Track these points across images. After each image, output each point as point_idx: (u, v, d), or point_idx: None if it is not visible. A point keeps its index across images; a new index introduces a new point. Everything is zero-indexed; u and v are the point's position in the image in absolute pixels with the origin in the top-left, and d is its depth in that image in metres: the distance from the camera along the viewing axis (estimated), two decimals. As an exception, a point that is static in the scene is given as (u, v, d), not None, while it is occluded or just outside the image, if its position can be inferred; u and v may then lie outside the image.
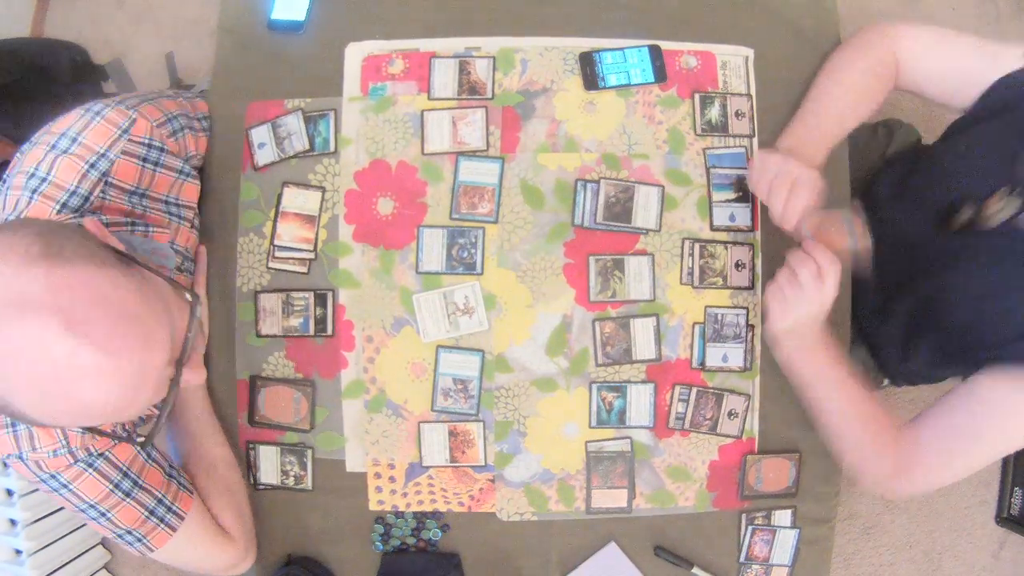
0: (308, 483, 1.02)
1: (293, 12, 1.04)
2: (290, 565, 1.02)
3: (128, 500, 0.82)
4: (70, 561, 1.69)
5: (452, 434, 1.00)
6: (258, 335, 1.01)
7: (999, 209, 0.86)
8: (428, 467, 1.01)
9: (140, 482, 0.83)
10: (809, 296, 0.85)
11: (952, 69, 0.94)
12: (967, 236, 0.90)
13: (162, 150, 0.87)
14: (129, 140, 0.83)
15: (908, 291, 0.98)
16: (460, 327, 0.99)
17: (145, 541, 0.85)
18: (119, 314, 0.62)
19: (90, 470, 0.79)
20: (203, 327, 0.87)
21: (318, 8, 1.04)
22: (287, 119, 1.01)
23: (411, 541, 1.02)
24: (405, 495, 1.01)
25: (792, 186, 0.87)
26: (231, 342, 1.02)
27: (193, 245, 0.96)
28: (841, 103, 0.98)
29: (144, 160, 0.85)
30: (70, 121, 0.81)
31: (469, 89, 1.02)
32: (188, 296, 0.72)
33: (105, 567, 1.83)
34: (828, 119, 0.98)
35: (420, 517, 1.02)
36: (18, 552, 1.57)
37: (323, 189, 1.01)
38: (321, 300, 1.00)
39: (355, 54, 1.03)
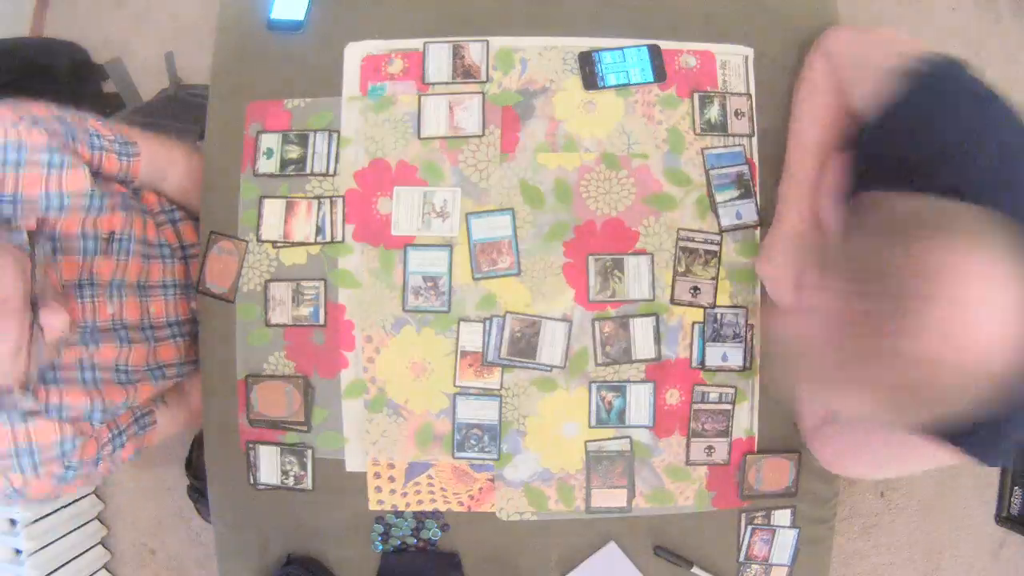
0: (308, 483, 1.02)
1: (292, 12, 1.04)
2: (290, 565, 1.02)
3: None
4: (70, 561, 1.69)
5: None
6: (267, 324, 1.01)
7: None
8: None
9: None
10: None
11: (857, 71, 0.88)
12: None
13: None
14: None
15: None
16: (431, 227, 1.00)
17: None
18: None
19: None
20: (59, 271, 0.87)
21: (317, 8, 1.04)
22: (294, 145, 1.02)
23: (411, 541, 1.02)
24: (405, 495, 1.01)
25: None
26: (231, 342, 1.02)
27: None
28: (819, 143, 0.93)
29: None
30: None
31: (464, 73, 1.02)
32: (25, 247, 0.73)
33: (105, 567, 1.83)
34: (813, 169, 0.93)
35: (420, 517, 1.02)
36: (18, 552, 1.57)
37: (283, 198, 1.02)
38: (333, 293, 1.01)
39: (354, 54, 1.03)
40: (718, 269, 1.01)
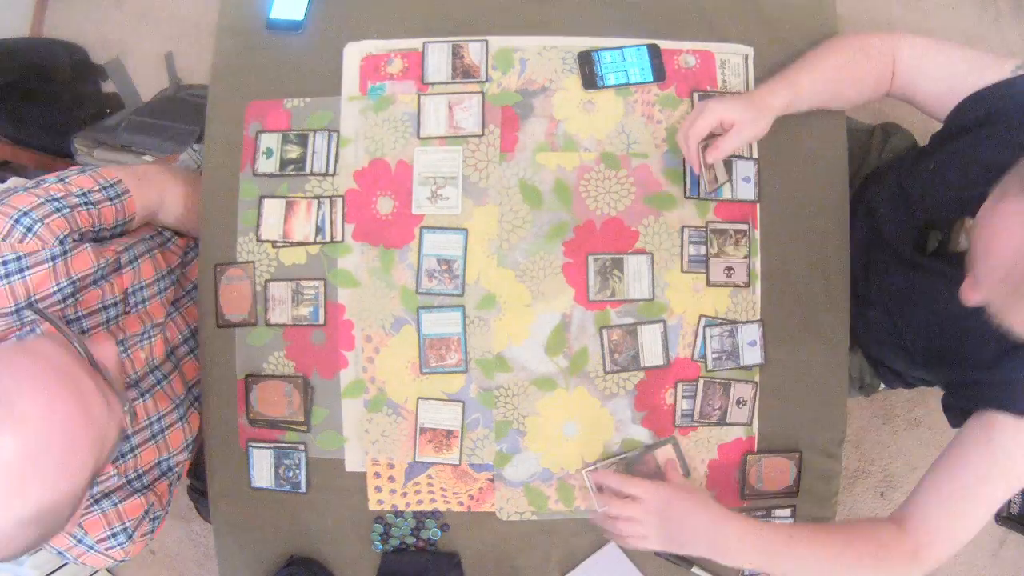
0: (303, 485, 1.02)
1: (292, 12, 1.04)
2: (291, 565, 1.02)
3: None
4: (70, 561, 1.69)
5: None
6: (268, 324, 1.01)
7: (963, 237, 0.86)
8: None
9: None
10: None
11: (943, 77, 0.92)
12: (941, 259, 0.89)
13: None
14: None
15: (901, 304, 0.97)
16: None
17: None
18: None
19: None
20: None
21: (317, 8, 1.04)
22: (292, 145, 1.02)
23: (411, 541, 1.02)
24: (404, 495, 1.01)
25: (698, 115, 0.90)
26: (231, 342, 1.02)
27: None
28: (829, 66, 0.96)
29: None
30: None
31: (463, 73, 1.02)
32: (124, 407, 0.71)
33: (105, 567, 1.83)
34: (806, 76, 0.95)
35: (419, 516, 1.02)
36: (18, 552, 1.57)
37: (284, 198, 1.02)
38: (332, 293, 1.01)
39: (354, 54, 1.03)
40: (749, 247, 1.01)
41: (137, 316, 0.94)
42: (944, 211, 0.88)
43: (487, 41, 1.02)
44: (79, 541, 0.87)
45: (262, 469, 1.02)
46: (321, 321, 1.01)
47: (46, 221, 0.79)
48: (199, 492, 1.42)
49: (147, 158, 1.50)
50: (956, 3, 1.92)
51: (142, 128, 1.54)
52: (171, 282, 1.02)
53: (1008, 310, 0.66)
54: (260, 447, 1.02)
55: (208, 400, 1.03)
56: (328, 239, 1.01)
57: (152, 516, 0.93)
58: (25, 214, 0.78)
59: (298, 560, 1.02)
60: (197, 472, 1.39)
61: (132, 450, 0.91)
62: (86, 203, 0.86)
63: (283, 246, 1.01)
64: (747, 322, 1.01)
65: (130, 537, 0.90)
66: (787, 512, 1.03)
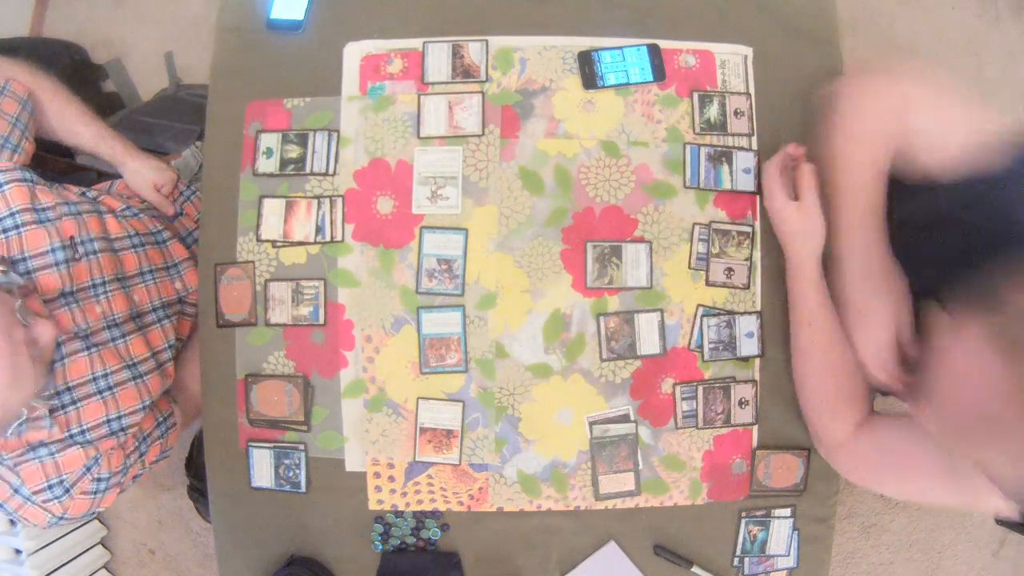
0: (303, 485, 1.02)
1: (292, 12, 1.04)
2: (292, 565, 1.02)
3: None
4: (70, 561, 1.69)
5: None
6: (267, 324, 1.01)
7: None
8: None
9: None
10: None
11: (940, 137, 0.84)
12: None
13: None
14: None
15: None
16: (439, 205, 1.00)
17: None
18: None
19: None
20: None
21: (317, 8, 1.04)
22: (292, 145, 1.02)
23: (411, 540, 1.02)
24: (404, 494, 1.01)
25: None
26: (231, 342, 1.02)
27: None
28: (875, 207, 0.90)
29: None
30: None
31: (463, 72, 1.02)
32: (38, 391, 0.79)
33: (105, 567, 1.83)
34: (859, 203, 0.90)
35: (420, 516, 1.02)
36: (18, 552, 1.57)
37: (284, 198, 1.02)
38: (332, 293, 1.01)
39: (354, 54, 1.03)
40: (751, 251, 1.01)
41: (86, 266, 0.94)
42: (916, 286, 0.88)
43: (487, 41, 1.02)
44: (16, 491, 0.87)
45: (262, 469, 1.02)
46: (321, 321, 1.01)
47: None
48: (199, 492, 1.42)
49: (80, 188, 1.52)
50: (956, 3, 1.93)
51: (142, 128, 1.54)
52: (132, 244, 1.04)
53: (960, 451, 0.65)
54: (260, 447, 1.02)
55: (208, 400, 1.03)
56: (328, 239, 1.01)
57: (97, 476, 0.92)
58: None
59: (298, 560, 1.02)
60: (197, 472, 1.40)
61: (74, 402, 0.90)
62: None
63: (283, 246, 1.01)
64: (745, 313, 1.01)
65: (67, 491, 0.89)
66: (787, 512, 1.03)
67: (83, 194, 1.04)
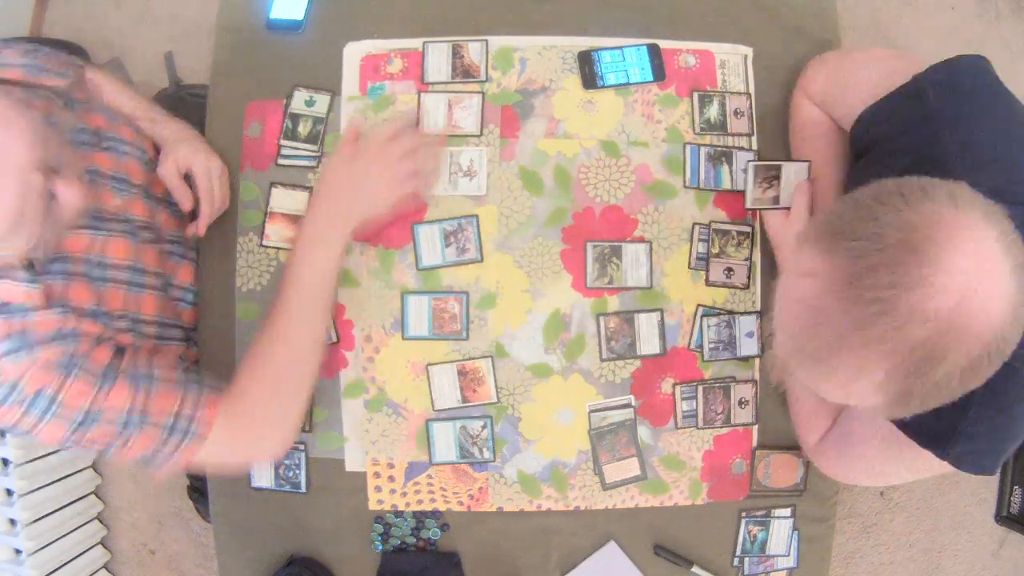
0: (303, 485, 1.02)
1: (292, 12, 1.04)
2: (292, 565, 1.02)
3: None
4: (70, 561, 1.69)
5: (461, 374, 1.00)
6: None
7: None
8: (440, 413, 1.00)
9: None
10: None
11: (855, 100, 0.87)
12: None
13: None
14: None
15: None
16: (458, 187, 1.00)
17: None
18: None
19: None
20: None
21: (317, 8, 1.04)
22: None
23: (411, 540, 1.02)
24: (404, 495, 1.01)
25: None
26: (231, 343, 1.02)
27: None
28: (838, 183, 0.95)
29: None
30: None
31: (463, 72, 1.02)
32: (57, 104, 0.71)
33: (105, 567, 1.83)
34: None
35: (419, 516, 1.02)
36: (18, 552, 1.57)
37: (310, 189, 1.01)
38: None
39: (353, 53, 1.03)
40: (751, 251, 1.01)
41: (110, 158, 0.89)
42: None
43: (487, 41, 1.02)
44: None
45: (262, 469, 1.02)
46: (334, 339, 1.00)
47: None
48: (199, 492, 1.42)
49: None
50: (956, 3, 1.93)
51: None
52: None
53: (796, 371, 0.65)
54: (260, 447, 1.02)
55: (208, 400, 1.03)
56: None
57: (72, 354, 0.75)
58: None
59: (298, 560, 1.02)
60: (197, 472, 1.39)
61: (65, 275, 0.80)
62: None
63: (284, 248, 1.01)
64: (745, 313, 1.01)
65: (30, 348, 0.73)
66: (787, 512, 1.03)
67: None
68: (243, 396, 0.86)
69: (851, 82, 0.89)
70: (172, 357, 0.92)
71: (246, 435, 0.87)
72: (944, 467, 0.76)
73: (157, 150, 0.99)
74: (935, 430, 0.74)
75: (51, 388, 0.74)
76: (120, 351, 0.81)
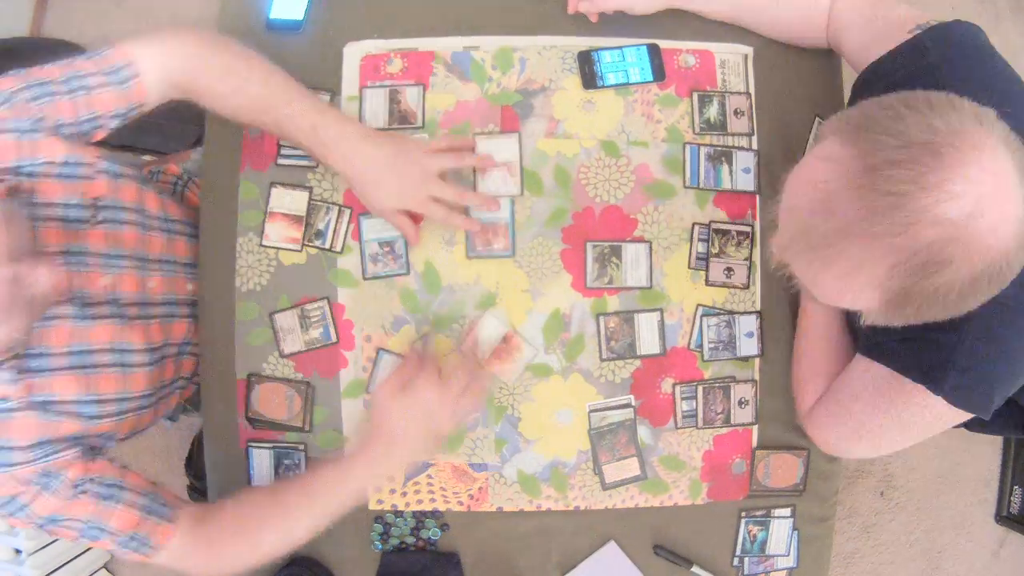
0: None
1: (292, 11, 1.04)
2: (292, 565, 1.02)
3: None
4: (70, 561, 1.69)
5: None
6: (282, 355, 1.01)
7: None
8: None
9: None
10: None
11: (865, 37, 0.89)
12: None
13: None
14: None
15: None
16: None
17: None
18: None
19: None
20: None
21: (317, 8, 1.04)
22: None
23: (410, 540, 1.02)
24: (404, 494, 1.01)
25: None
26: (231, 342, 1.02)
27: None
28: None
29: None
30: None
31: (400, 119, 1.01)
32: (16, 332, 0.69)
33: (105, 567, 1.83)
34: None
35: (419, 516, 1.02)
36: (18, 552, 1.57)
37: (310, 189, 1.01)
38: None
39: (353, 53, 1.03)
40: (751, 250, 1.01)
41: (104, 234, 0.86)
42: None
43: (422, 87, 1.01)
44: None
45: (262, 469, 1.02)
46: (334, 339, 1.00)
47: (22, 101, 0.78)
48: (199, 492, 1.42)
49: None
50: (956, 3, 1.93)
51: (142, 127, 1.53)
52: (163, 228, 0.97)
53: (795, 267, 0.66)
54: (260, 447, 1.02)
55: (208, 400, 1.03)
56: (328, 247, 1.01)
57: (46, 471, 0.77)
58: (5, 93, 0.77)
59: (298, 560, 1.02)
60: (197, 472, 1.39)
61: (45, 371, 0.80)
62: (72, 90, 0.81)
63: (284, 248, 1.01)
64: (745, 312, 1.01)
65: (9, 464, 0.76)
66: (787, 512, 1.03)
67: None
68: (217, 523, 0.89)
69: (871, 13, 0.91)
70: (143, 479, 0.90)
71: (206, 554, 0.88)
72: (936, 417, 0.78)
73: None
74: (928, 363, 0.75)
75: (25, 498, 0.77)
76: (95, 455, 0.84)
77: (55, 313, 0.80)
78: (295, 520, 0.88)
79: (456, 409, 0.90)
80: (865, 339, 0.87)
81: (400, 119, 1.01)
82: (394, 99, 1.02)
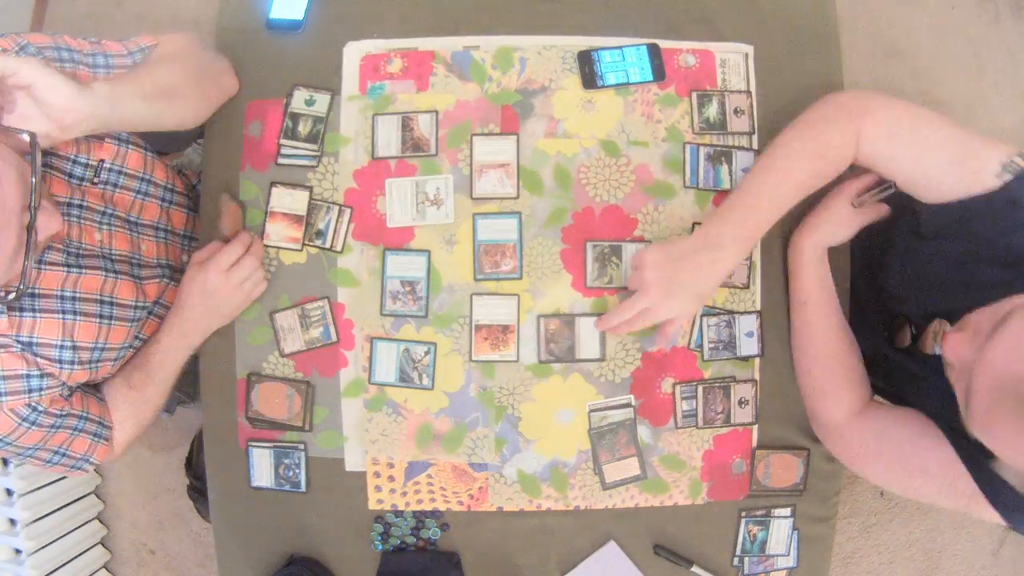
0: (303, 485, 1.02)
1: (292, 11, 1.04)
2: (292, 565, 1.02)
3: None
4: (70, 561, 1.69)
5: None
6: (282, 354, 1.01)
7: (934, 338, 0.85)
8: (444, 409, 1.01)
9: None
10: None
11: (919, 168, 0.84)
12: (910, 356, 0.90)
13: None
14: None
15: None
16: (426, 216, 1.00)
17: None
18: None
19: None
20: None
21: (317, 7, 1.04)
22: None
23: (410, 540, 1.02)
24: (404, 494, 1.01)
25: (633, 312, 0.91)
26: (231, 342, 1.02)
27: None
28: (780, 191, 0.89)
29: None
30: None
31: (413, 146, 1.01)
32: (25, 135, 0.71)
33: (105, 567, 1.83)
34: (763, 210, 0.89)
35: (419, 516, 1.02)
36: (18, 552, 1.57)
37: (310, 188, 1.01)
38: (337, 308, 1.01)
39: (353, 53, 1.03)
40: (751, 250, 1.01)
41: (102, 193, 0.92)
42: (916, 310, 0.89)
43: (436, 112, 1.01)
44: None
45: (262, 468, 1.02)
46: (334, 339, 1.00)
47: (46, 58, 0.80)
48: (199, 492, 1.42)
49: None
50: (956, 3, 1.93)
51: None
52: (162, 196, 1.02)
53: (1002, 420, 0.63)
54: (260, 446, 1.02)
55: (208, 400, 1.03)
56: (328, 246, 1.01)
57: (34, 404, 0.85)
58: (25, 47, 0.80)
59: (298, 560, 1.02)
60: (197, 472, 1.39)
61: (33, 310, 0.84)
62: (94, 65, 0.85)
63: (284, 248, 1.01)
64: (745, 312, 1.01)
65: None
66: (787, 511, 1.03)
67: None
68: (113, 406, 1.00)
69: (920, 141, 0.85)
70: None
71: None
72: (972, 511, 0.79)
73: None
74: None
75: (11, 435, 0.85)
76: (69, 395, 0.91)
77: (49, 260, 0.85)
78: (148, 392, 1.00)
79: (237, 292, 0.96)
80: (975, 450, 0.81)
81: (413, 147, 1.01)
82: (407, 127, 1.01)
